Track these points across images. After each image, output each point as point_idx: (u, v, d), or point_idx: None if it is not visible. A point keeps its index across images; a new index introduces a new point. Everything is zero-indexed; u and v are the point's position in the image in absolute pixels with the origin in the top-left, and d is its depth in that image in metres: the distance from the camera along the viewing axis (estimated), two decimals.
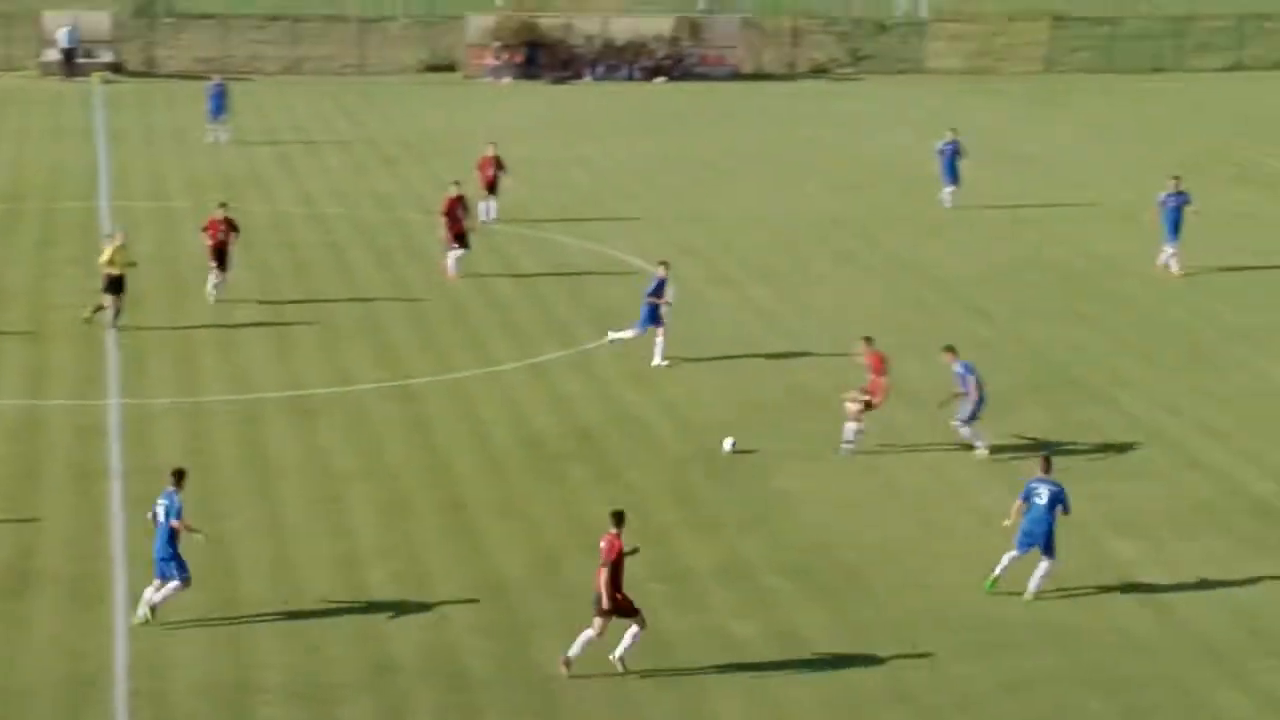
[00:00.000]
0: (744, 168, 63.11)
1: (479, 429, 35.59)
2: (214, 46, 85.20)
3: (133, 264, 41.76)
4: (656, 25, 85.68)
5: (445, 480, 32.91)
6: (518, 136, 67.39)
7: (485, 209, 52.31)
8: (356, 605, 27.63)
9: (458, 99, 77.68)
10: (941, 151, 55.46)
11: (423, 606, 27.62)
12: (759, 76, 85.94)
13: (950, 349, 34.67)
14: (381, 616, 27.25)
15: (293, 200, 56.17)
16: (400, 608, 27.51)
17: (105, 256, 40.98)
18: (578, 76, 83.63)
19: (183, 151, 62.77)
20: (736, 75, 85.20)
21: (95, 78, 78.16)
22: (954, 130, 55.76)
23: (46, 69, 79.60)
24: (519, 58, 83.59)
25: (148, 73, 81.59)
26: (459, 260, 46.18)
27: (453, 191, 46.34)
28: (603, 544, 25.45)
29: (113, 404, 36.45)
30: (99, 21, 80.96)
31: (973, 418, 34.13)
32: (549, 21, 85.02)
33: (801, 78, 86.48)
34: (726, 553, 29.89)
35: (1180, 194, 47.53)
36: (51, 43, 79.53)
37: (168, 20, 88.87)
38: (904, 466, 34.04)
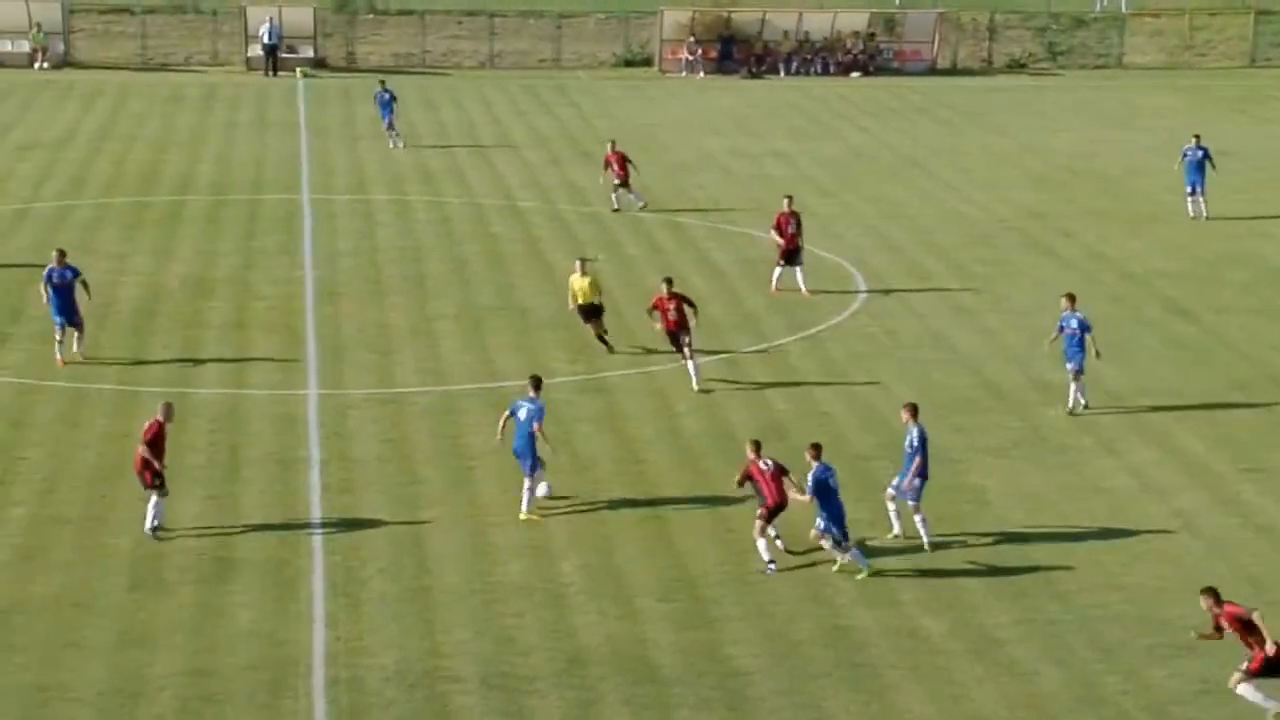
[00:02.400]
0: (940, 163, 62.68)
1: (672, 422, 35.67)
2: (412, 42, 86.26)
3: (600, 292, 40.02)
4: (852, 20, 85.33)
5: (637, 472, 33.03)
6: (712, 131, 67.61)
7: (634, 198, 53.53)
8: (549, 596, 27.80)
9: (652, 94, 77.91)
10: (1185, 155, 54.18)
11: (613, 598, 27.73)
12: (955, 71, 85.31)
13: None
14: (573, 608, 27.40)
15: (490, 193, 56.66)
16: (591, 599, 27.65)
17: (571, 292, 39.63)
18: (772, 71, 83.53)
19: (382, 145, 63.51)
20: (932, 70, 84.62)
21: (297, 72, 79.46)
22: (1198, 136, 54.44)
23: (251, 64, 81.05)
24: (713, 53, 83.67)
25: (348, 68, 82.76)
26: (782, 274, 44.76)
27: (785, 206, 44.91)
28: None
29: (311, 394, 37.01)
30: (301, 17, 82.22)
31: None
32: (744, 16, 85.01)
33: (998, 73, 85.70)
34: (917, 547, 29.68)
35: None
36: (255, 38, 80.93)
37: (367, 16, 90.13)
38: (1102, 465, 33.61)
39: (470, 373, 38.66)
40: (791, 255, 44.69)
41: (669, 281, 38.35)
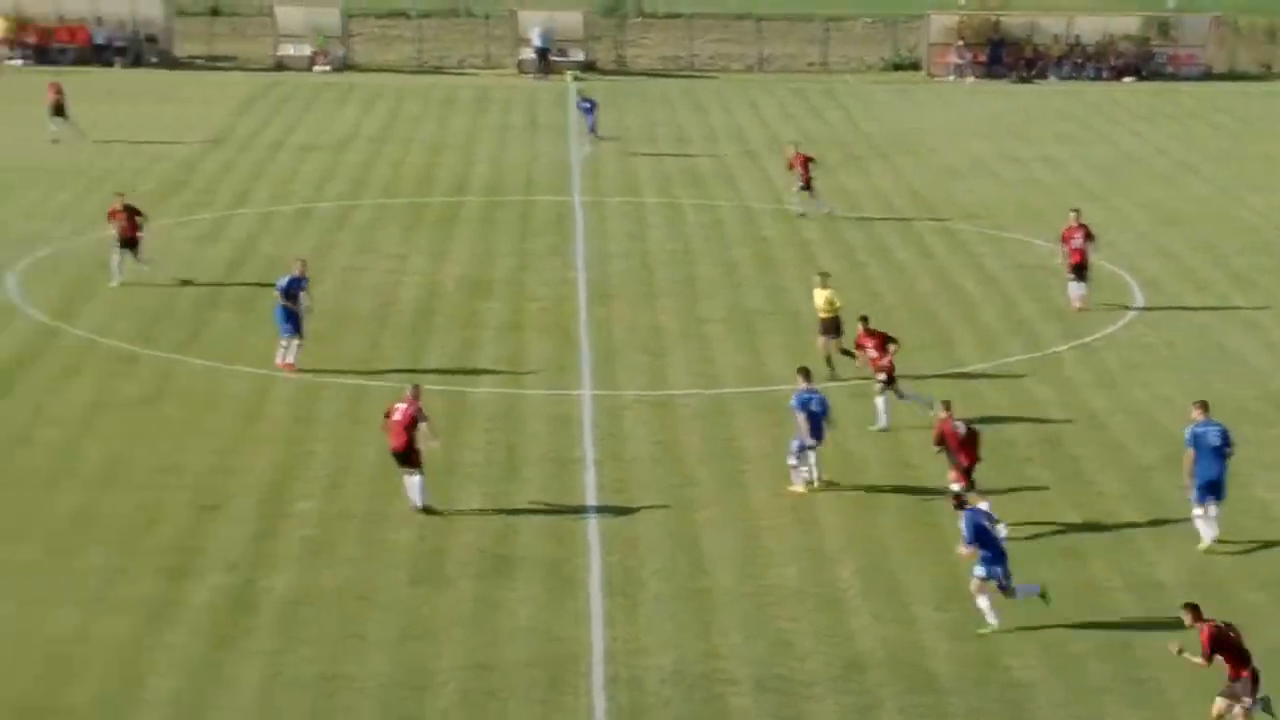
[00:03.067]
0: (1216, 168, 61.46)
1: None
2: (680, 45, 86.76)
3: (839, 307, 38.25)
4: (1124, 24, 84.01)
5: (910, 477, 32.86)
6: (981, 136, 67.03)
7: (819, 204, 53.18)
8: (824, 600, 27.79)
9: (921, 98, 77.44)
10: None
11: (889, 604, 27.64)
12: (1232, 76, 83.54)
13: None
14: (849, 613, 27.36)
15: (759, 196, 56.77)
16: (867, 604, 27.59)
17: (820, 303, 38.50)
18: (1042, 76, 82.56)
19: (651, 148, 64.00)
20: (1208, 75, 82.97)
21: (567, 76, 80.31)
22: None
23: (523, 67, 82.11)
24: (982, 57, 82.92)
25: (617, 71, 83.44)
26: (1081, 294, 43.43)
27: (1072, 219, 43.87)
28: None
29: (585, 395, 37.41)
30: (571, 21, 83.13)
31: None
32: (1013, 20, 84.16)
33: (1278, 78, 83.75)
34: (1198, 563, 29.17)
35: None
36: (527, 41, 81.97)
37: (636, 20, 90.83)
38: None
39: (742, 375, 38.76)
40: (1077, 269, 43.80)
41: (864, 320, 36.48)
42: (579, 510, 31.28)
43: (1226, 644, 23.26)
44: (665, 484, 32.57)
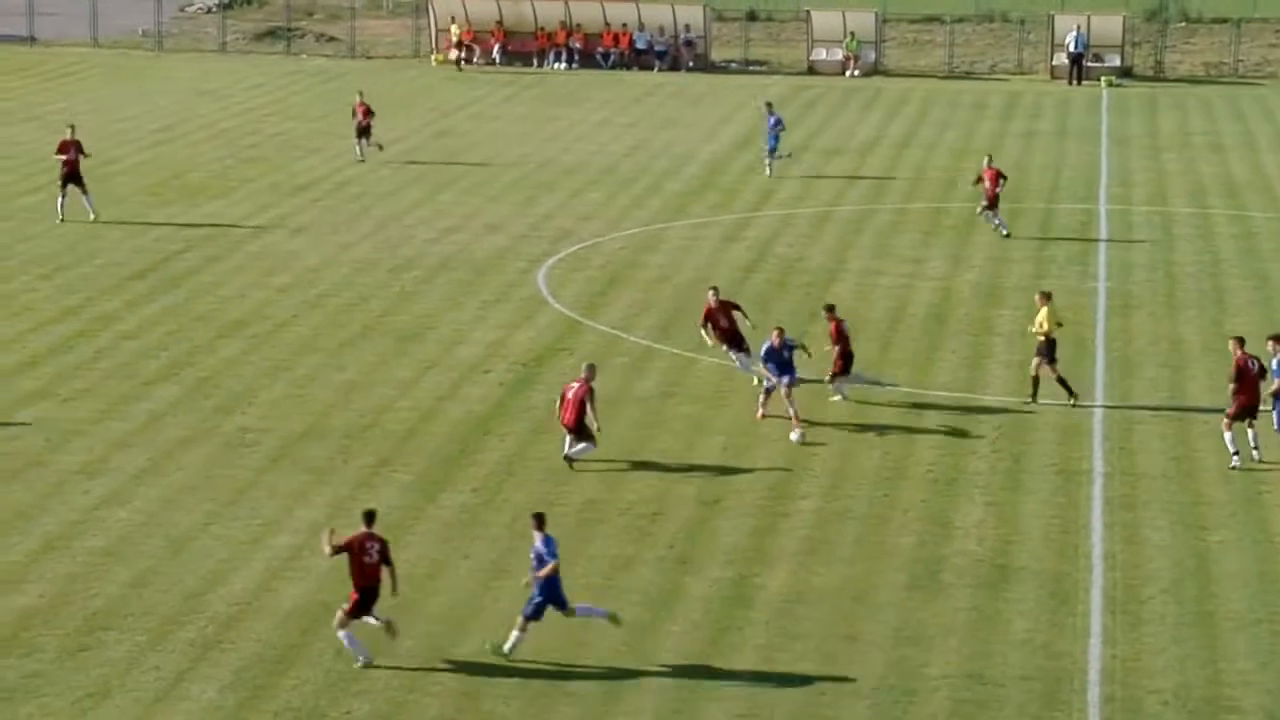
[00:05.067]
0: None
1: None
2: (1224, 51, 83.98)
3: (1059, 324, 36.84)
4: None
5: None
6: None
7: (997, 221, 50.39)
8: None
9: None
10: None
11: None
12: None
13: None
14: None
15: None
16: None
17: (1039, 320, 36.23)
18: None
19: (1185, 157, 62.18)
20: None
21: (1101, 81, 78.62)
22: None
23: (1055, 72, 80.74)
24: None
25: (1155, 77, 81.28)
26: None
27: None
28: None
29: (1097, 406, 36.53)
30: (1109, 25, 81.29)
31: None
32: None
33: None
34: None
35: None
36: (1061, 46, 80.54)
37: (1179, 24, 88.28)
38: None
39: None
40: None
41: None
42: (1083, 524, 30.56)
43: None
44: (1177, 501, 31.56)
